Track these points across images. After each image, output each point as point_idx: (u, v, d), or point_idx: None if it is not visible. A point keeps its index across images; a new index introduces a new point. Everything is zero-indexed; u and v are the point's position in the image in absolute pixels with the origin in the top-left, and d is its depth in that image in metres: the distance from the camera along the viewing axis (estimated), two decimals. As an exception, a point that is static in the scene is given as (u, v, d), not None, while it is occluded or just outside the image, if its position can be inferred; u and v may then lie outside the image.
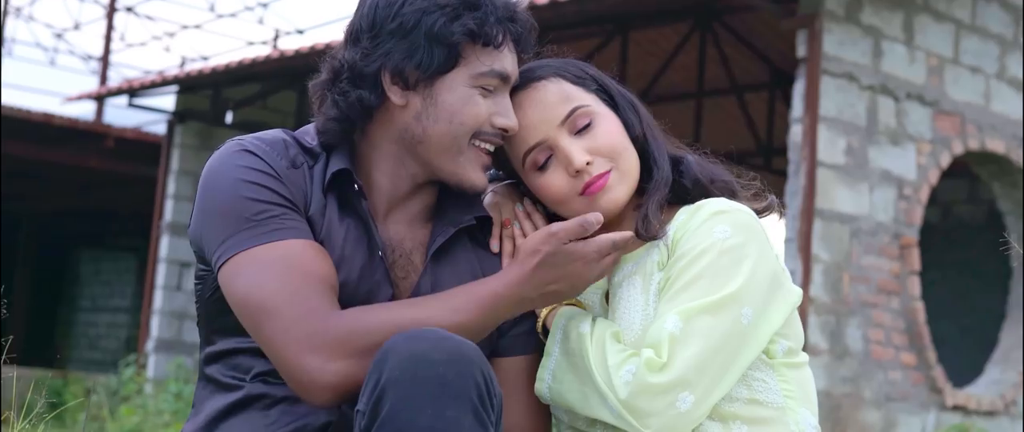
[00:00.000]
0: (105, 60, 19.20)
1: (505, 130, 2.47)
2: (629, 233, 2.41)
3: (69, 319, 24.88)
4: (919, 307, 9.64)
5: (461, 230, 2.52)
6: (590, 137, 2.52)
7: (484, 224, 2.58)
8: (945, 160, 10.03)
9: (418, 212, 2.53)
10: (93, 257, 24.80)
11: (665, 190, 2.54)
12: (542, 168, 2.54)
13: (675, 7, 11.22)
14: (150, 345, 14.45)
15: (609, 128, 2.54)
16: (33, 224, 22.15)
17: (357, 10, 2.47)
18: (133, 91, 14.71)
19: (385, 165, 2.48)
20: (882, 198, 9.50)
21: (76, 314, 24.82)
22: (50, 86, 34.67)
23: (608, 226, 2.58)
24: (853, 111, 9.32)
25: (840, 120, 9.21)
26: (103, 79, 18.94)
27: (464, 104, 2.42)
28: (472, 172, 2.48)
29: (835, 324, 9.07)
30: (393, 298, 2.44)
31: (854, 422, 9.15)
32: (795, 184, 9.02)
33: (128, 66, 25.45)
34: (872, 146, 9.44)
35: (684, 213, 2.50)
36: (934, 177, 9.94)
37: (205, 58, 20.64)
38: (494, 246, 2.58)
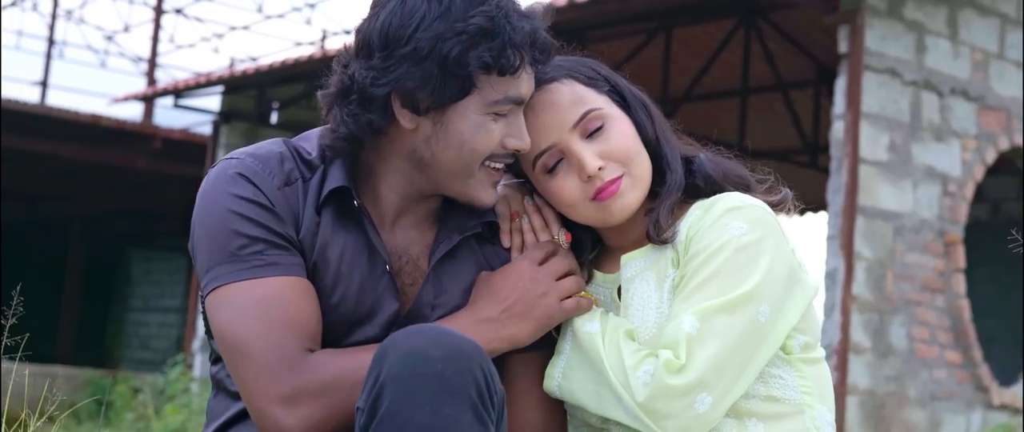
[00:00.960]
0: (152, 61, 19.32)
1: (518, 151, 2.43)
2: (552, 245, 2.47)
3: (120, 319, 25.06)
4: (964, 305, 9.54)
5: (469, 237, 2.50)
6: (602, 141, 2.48)
7: (489, 227, 2.55)
8: (990, 156, 9.92)
9: (426, 215, 2.50)
10: (144, 257, 24.96)
11: (677, 194, 2.50)
12: (552, 171, 2.50)
13: (719, 3, 11.16)
14: (196, 344, 14.52)
15: (622, 131, 2.50)
16: (84, 225, 22.30)
17: (370, 17, 2.38)
18: (178, 92, 14.79)
19: (392, 179, 2.44)
20: (926, 195, 9.41)
21: (127, 314, 24.99)
22: (101, 88, 34.92)
23: (620, 230, 2.57)
24: (896, 107, 9.23)
25: (883, 116, 9.13)
26: (150, 80, 19.07)
27: (475, 132, 2.36)
28: (482, 192, 2.44)
29: (879, 322, 8.99)
30: (399, 311, 2.42)
31: (898, 421, 9.07)
32: (837, 181, 8.94)
33: (177, 67, 25.65)
34: (916, 142, 9.36)
35: (698, 208, 2.45)
36: (979, 173, 9.84)
37: (253, 59, 20.73)
38: (505, 241, 2.56)
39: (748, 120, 12.71)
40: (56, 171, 18.44)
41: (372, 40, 2.34)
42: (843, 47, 9.06)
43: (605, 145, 2.48)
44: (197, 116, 16.39)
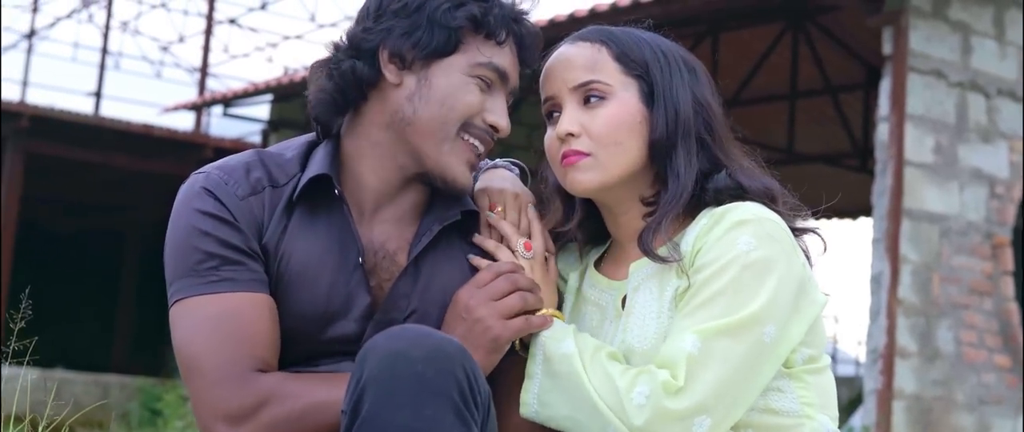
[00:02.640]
0: (203, 71, 19.46)
1: (495, 128, 2.44)
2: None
3: (176, 328, 25.22)
4: (1013, 308, 9.44)
5: (449, 227, 2.48)
6: (592, 114, 2.44)
7: (473, 218, 2.53)
8: (1039, 157, 9.83)
9: (406, 210, 2.49)
10: (198, 266, 25.10)
11: (677, 209, 2.41)
12: (549, 120, 2.52)
13: (766, 7, 11.10)
14: (247, 352, 14.60)
15: (614, 115, 2.44)
16: (137, 234, 22.47)
17: None
18: (227, 101, 14.89)
19: (373, 157, 2.44)
20: (973, 197, 9.32)
21: (182, 323, 25.15)
22: (155, 99, 35.24)
23: (619, 223, 2.54)
24: (941, 108, 9.15)
25: (928, 118, 9.06)
26: (201, 90, 19.21)
27: (457, 90, 2.39)
28: (457, 165, 2.43)
29: (925, 326, 8.91)
30: (371, 306, 2.42)
31: (946, 425, 8.98)
32: (882, 184, 8.88)
33: (232, 77, 25.72)
34: (962, 144, 9.27)
35: (706, 217, 2.39)
36: (1028, 175, 9.75)
37: (306, 68, 20.85)
38: (484, 234, 2.54)
39: (797, 124, 12.65)
40: (110, 181, 18.60)
41: (367, 6, 2.44)
42: (887, 49, 9.01)
43: (592, 120, 2.44)
44: (249, 125, 16.50)
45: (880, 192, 8.90)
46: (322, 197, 2.42)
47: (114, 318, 21.96)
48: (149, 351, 23.83)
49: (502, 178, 2.63)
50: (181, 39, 22.68)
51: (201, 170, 2.44)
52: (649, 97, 2.47)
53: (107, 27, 20.36)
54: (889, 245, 8.76)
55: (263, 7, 21.27)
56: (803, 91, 12.63)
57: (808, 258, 2.47)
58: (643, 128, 2.45)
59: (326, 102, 2.44)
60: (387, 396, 2.02)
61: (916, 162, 8.95)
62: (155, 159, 17.13)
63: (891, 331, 8.64)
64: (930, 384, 8.92)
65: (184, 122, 19.61)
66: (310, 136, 2.54)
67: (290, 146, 2.52)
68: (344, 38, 2.45)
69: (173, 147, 16.82)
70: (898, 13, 8.92)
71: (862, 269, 13.56)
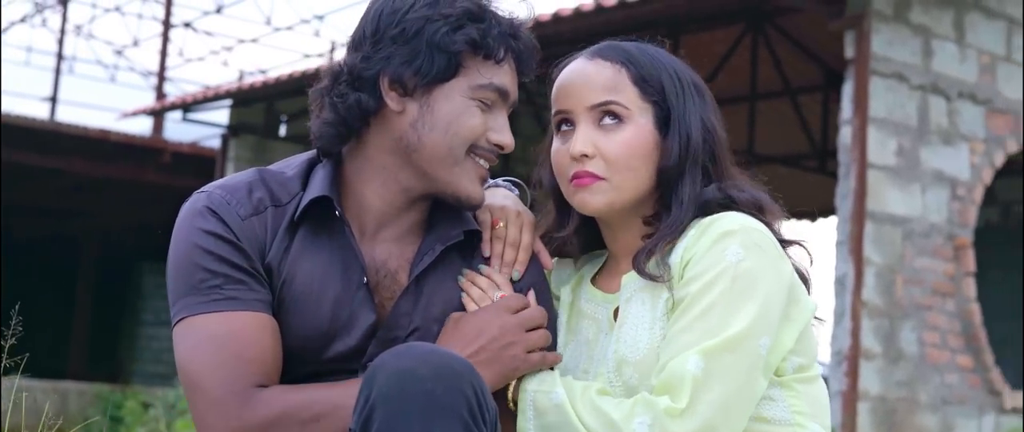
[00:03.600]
0: (161, 76, 19.37)
1: (500, 147, 2.45)
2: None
3: (132, 333, 25.07)
4: (975, 309, 9.52)
5: (451, 247, 2.49)
6: (607, 137, 2.46)
7: (474, 237, 2.55)
8: (999, 159, 9.90)
9: (408, 229, 2.50)
10: (155, 270, 24.96)
11: (676, 232, 2.43)
12: (560, 130, 2.53)
13: (726, 10, 11.15)
14: (208, 358, 14.53)
15: (629, 140, 2.46)
16: (95, 240, 22.33)
17: (362, 18, 2.46)
18: (187, 106, 14.82)
19: (377, 180, 2.45)
20: (935, 199, 9.39)
21: (139, 328, 25.00)
22: (110, 103, 35.01)
23: (618, 238, 2.55)
24: (903, 111, 9.22)
25: (890, 121, 9.12)
26: (159, 95, 19.10)
27: (460, 115, 2.40)
28: (469, 183, 2.45)
29: (889, 327, 8.97)
30: (376, 324, 2.43)
31: (910, 426, 9.04)
32: (845, 186, 8.93)
33: (187, 81, 25.74)
34: (924, 146, 9.34)
35: (694, 228, 2.41)
36: (988, 176, 9.82)
37: (263, 72, 20.78)
38: (485, 249, 2.54)
39: (757, 126, 12.69)
40: (67, 187, 18.49)
41: (363, 32, 2.43)
42: (850, 52, 9.06)
43: (607, 142, 2.46)
44: (206, 129, 16.42)
45: (843, 195, 8.95)
46: (324, 217, 2.43)
47: (70, 324, 21.80)
48: (106, 358, 23.69)
49: (504, 196, 2.64)
50: (135, 43, 22.56)
51: (203, 190, 2.44)
52: (663, 123, 2.49)
53: (62, 31, 20.22)
54: (853, 247, 8.81)
55: (218, 11, 21.19)
56: (763, 93, 12.68)
57: (798, 269, 2.50)
58: (655, 154, 2.48)
59: (330, 135, 2.45)
60: (397, 414, 2.03)
61: (879, 165, 9.01)
62: (112, 164, 17.03)
63: (856, 333, 8.69)
64: (894, 385, 8.98)
65: (138, 126, 19.49)
66: (310, 154, 2.54)
67: (291, 164, 2.52)
68: (343, 66, 2.43)
69: (131, 152, 16.72)
70: (860, 17, 8.97)
71: (824, 270, 13.58)
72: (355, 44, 2.45)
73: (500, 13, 2.43)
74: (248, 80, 16.11)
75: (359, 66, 2.40)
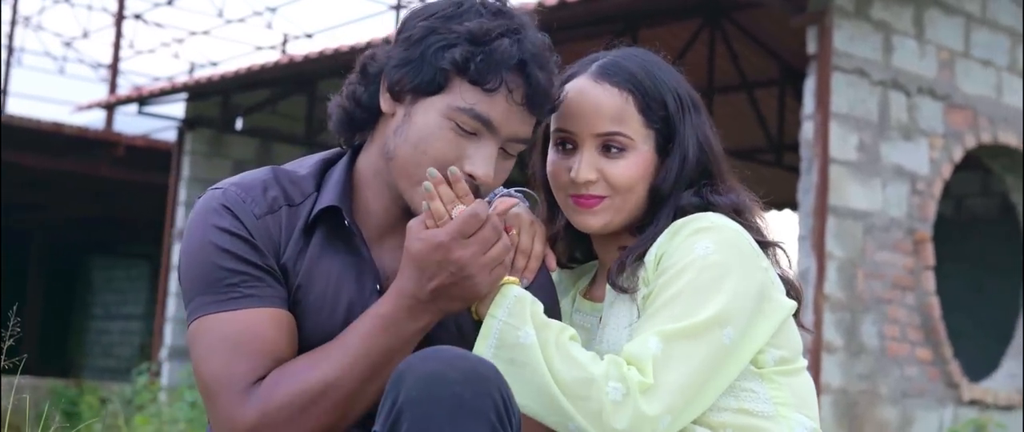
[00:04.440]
0: (114, 68, 19.21)
1: (472, 177, 2.35)
2: (511, 202, 2.41)
3: (82, 327, 24.92)
4: (934, 302, 9.61)
5: None
6: (611, 164, 2.50)
7: None
8: (958, 154, 9.99)
9: None
10: (105, 264, 24.83)
11: (647, 245, 2.47)
12: (561, 148, 2.55)
13: (684, 5, 11.20)
14: (164, 353, 14.46)
15: (632, 166, 2.51)
16: (45, 233, 22.18)
17: None
18: (143, 99, 14.71)
19: (374, 185, 2.45)
20: (895, 193, 9.47)
21: (89, 322, 24.87)
22: (60, 95, 34.71)
23: (604, 268, 2.61)
24: (864, 107, 9.29)
25: (852, 116, 9.18)
26: (112, 88, 18.95)
27: (431, 133, 2.33)
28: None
29: (850, 321, 9.04)
30: None
31: (871, 419, 9.12)
32: (807, 181, 8.99)
33: (137, 73, 25.45)
34: (884, 142, 9.41)
35: (669, 229, 2.46)
36: (947, 171, 9.90)
37: (214, 64, 20.66)
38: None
39: (714, 119, 12.72)
40: (18, 180, 18.32)
41: (398, 26, 2.44)
42: (812, 48, 9.11)
43: (611, 169, 2.51)
44: (158, 121, 16.31)
45: (805, 190, 9.01)
46: (336, 223, 2.42)
47: (21, 319, 21.62)
48: (58, 353, 23.53)
49: (516, 205, 2.64)
50: (85, 35, 22.37)
51: (217, 186, 2.43)
52: (663, 146, 2.54)
53: (13, 23, 20.03)
54: (815, 242, 8.88)
55: (169, 2, 21.04)
56: (719, 87, 12.73)
57: (783, 275, 2.54)
58: (652, 174, 2.53)
59: (341, 120, 2.47)
60: (426, 418, 2.04)
61: (841, 160, 9.07)
62: (65, 158, 16.88)
63: (818, 326, 8.75)
64: (855, 378, 9.05)
65: (89, 118, 19.30)
66: (325, 153, 2.55)
67: (304, 163, 2.52)
68: (367, 58, 2.46)
69: (84, 146, 16.58)
70: (822, 13, 9.02)
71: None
72: (387, 40, 2.47)
73: (515, 45, 2.33)
74: (204, 73, 16.01)
75: (368, 59, 2.43)
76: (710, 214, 2.46)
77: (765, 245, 2.52)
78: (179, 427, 10.60)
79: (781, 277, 2.51)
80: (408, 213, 2.42)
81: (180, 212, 14.62)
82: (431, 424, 2.03)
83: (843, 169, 9.08)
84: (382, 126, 2.44)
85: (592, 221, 2.53)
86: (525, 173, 2.73)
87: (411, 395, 2.05)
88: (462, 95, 2.32)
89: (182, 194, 14.64)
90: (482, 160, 2.35)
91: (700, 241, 2.38)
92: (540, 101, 2.37)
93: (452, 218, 2.28)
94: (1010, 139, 10.38)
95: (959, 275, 13.60)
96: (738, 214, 2.51)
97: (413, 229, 2.30)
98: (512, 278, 2.39)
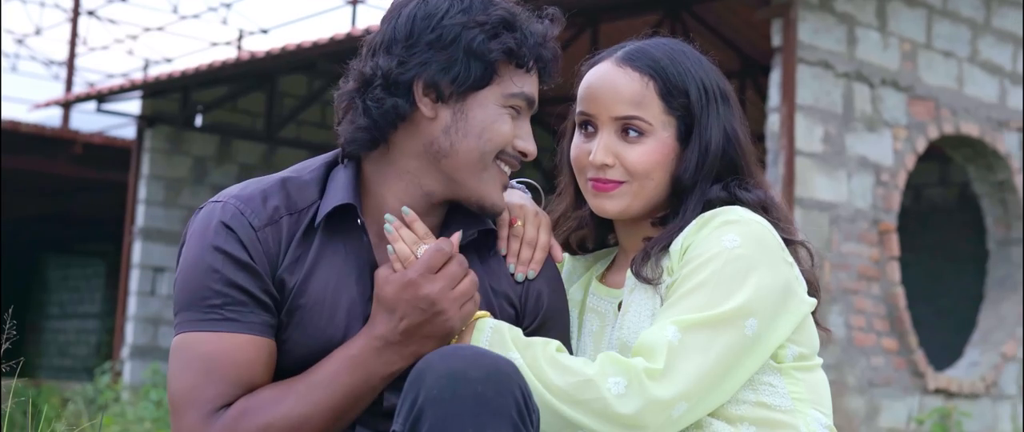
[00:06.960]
0: (70, 66, 19.06)
1: (524, 154, 2.48)
2: (450, 239, 2.41)
3: (38, 326, 24.71)
4: (899, 292, 9.67)
5: (467, 245, 2.49)
6: (628, 148, 2.51)
7: (489, 236, 2.56)
8: (921, 145, 10.05)
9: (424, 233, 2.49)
10: (61, 263, 24.64)
11: (675, 236, 2.48)
12: (581, 129, 2.58)
13: (644, -2, 11.22)
14: (125, 352, 14.36)
15: (649, 152, 2.52)
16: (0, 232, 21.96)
17: (389, 20, 2.46)
18: (102, 96, 14.59)
19: (399, 184, 2.46)
20: (860, 185, 9.52)
21: (45, 321, 24.66)
22: (12, 92, 34.41)
23: (623, 254, 2.62)
24: (829, 99, 9.33)
25: (817, 108, 9.22)
26: (69, 85, 18.81)
27: (494, 122, 2.42)
28: (494, 190, 2.47)
29: (818, 311, 9.06)
30: None
31: (838, 409, 9.15)
32: (774, 173, 9.03)
33: (91, 70, 25.27)
34: (849, 133, 9.46)
35: (696, 220, 2.47)
36: (910, 162, 9.96)
37: (169, 60, 20.52)
38: (501, 246, 2.56)
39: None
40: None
41: (394, 36, 2.42)
42: (776, 40, 9.14)
43: (628, 153, 2.51)
44: (114, 118, 16.20)
45: (772, 182, 9.04)
46: (342, 223, 2.42)
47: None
48: (13, 352, 23.33)
49: (520, 197, 2.66)
50: (38, 32, 22.18)
51: (218, 198, 2.43)
52: (685, 134, 2.54)
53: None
54: (782, 233, 8.89)
55: (124, -1, 20.90)
56: (681, 80, 12.74)
57: (805, 272, 2.54)
58: (673, 163, 2.53)
59: (363, 140, 2.45)
60: (448, 416, 2.04)
61: (806, 152, 9.11)
62: (22, 156, 16.72)
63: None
64: (824, 368, 9.08)
65: (44, 116, 19.15)
66: (328, 156, 2.54)
67: (308, 167, 2.51)
68: (376, 69, 2.42)
69: (41, 143, 16.44)
70: (787, 6, 9.06)
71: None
72: (386, 47, 2.44)
73: (530, 23, 2.45)
74: (164, 70, 15.89)
75: (395, 71, 2.40)
76: (738, 208, 2.46)
77: (790, 243, 2.52)
78: (145, 426, 10.53)
79: (804, 275, 2.52)
80: (432, 208, 2.47)
81: (140, 210, 14.50)
82: (454, 423, 2.03)
83: (809, 161, 9.13)
84: (408, 130, 2.44)
85: (609, 205, 2.54)
86: (553, 159, 2.74)
87: (432, 394, 2.05)
88: (512, 81, 2.43)
89: (142, 191, 14.51)
90: (528, 137, 2.49)
91: (727, 233, 2.39)
92: (553, 70, 2.50)
93: (417, 258, 2.33)
94: (972, 129, 10.45)
95: (919, 264, 13.70)
96: (765, 211, 2.51)
97: (381, 275, 2.36)
98: (483, 312, 2.42)
